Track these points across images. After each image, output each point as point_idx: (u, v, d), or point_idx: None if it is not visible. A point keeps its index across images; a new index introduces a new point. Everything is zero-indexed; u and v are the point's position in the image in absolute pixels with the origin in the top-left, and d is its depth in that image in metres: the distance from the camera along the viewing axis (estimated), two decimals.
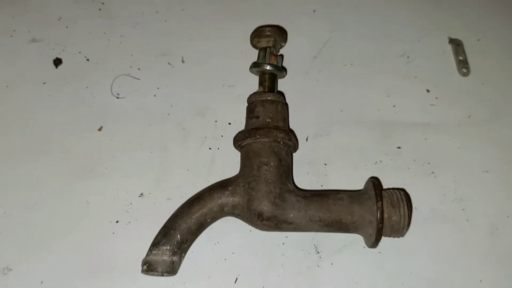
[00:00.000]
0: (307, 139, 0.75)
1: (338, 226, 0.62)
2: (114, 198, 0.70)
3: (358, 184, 0.70)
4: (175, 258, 0.60)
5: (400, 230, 0.61)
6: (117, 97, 0.78)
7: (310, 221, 0.62)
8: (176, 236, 0.61)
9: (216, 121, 0.76)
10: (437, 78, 0.81)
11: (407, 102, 0.78)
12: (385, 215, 0.60)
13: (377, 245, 0.62)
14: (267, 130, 0.65)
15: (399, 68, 0.82)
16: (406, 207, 0.61)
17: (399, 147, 0.75)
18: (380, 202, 0.60)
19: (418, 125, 0.77)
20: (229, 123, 0.76)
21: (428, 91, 0.80)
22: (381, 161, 0.74)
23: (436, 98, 0.79)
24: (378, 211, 0.60)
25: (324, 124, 0.76)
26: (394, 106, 0.78)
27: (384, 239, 0.61)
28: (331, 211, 0.62)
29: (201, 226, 0.63)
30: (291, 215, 0.62)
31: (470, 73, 0.81)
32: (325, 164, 0.73)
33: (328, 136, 0.75)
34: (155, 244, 0.61)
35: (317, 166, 0.73)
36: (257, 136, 0.65)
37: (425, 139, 0.76)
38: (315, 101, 0.78)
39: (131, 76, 0.79)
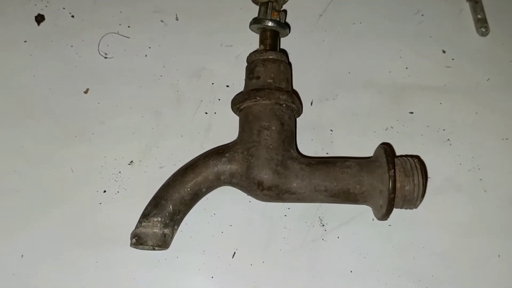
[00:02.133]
0: (311, 103, 0.71)
1: (346, 197, 0.59)
2: (101, 166, 0.66)
3: (366, 152, 0.66)
4: (166, 231, 0.57)
5: (413, 201, 0.58)
6: (105, 57, 0.73)
7: (314, 191, 0.58)
8: (168, 206, 0.58)
9: (213, 83, 0.72)
10: (453, 38, 0.76)
11: (421, 63, 0.74)
12: (398, 184, 0.56)
13: (388, 217, 0.58)
14: (268, 91, 0.61)
15: (412, 27, 0.76)
16: (420, 176, 0.57)
17: (411, 112, 0.71)
18: (392, 170, 0.56)
19: (433, 88, 0.72)
20: (227, 86, 0.72)
21: (443, 52, 0.75)
22: (392, 127, 0.70)
23: (453, 59, 0.74)
24: (389, 179, 0.55)
25: (330, 87, 0.72)
26: (406, 68, 0.74)
27: (395, 211, 0.58)
28: (338, 180, 0.58)
29: (196, 196, 0.59)
30: (294, 184, 0.58)
31: (489, 32, 0.76)
32: (331, 130, 0.69)
33: (335, 100, 0.71)
34: (145, 215, 0.58)
35: (322, 132, 0.69)
36: (257, 97, 0.60)
37: (440, 103, 0.71)
38: (320, 63, 0.74)
39: (120, 35, 0.74)
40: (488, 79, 0.73)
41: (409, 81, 0.73)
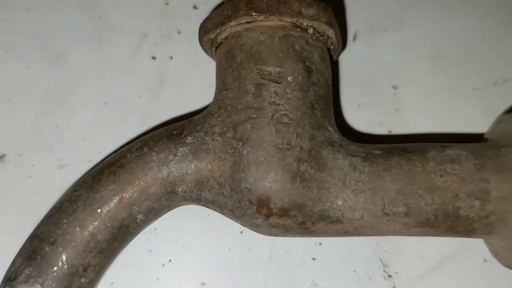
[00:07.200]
0: (354, 38, 0.47)
1: (450, 225, 0.34)
2: None
3: (460, 126, 0.44)
4: None
5: None
6: None
7: (383, 215, 0.33)
8: (59, 259, 0.33)
9: (167, 3, 0.48)
10: None
11: None
12: None
13: None
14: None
15: None
16: None
17: None
18: None
19: None
20: (195, 7, 0.48)
21: None
22: (504, 80, 0.46)
23: None
24: None
25: (388, 10, 0.48)
26: None
27: None
28: (434, 190, 0.33)
29: (124, 232, 0.34)
30: (340, 202, 0.33)
31: None
32: (394, 88, 0.45)
33: (398, 31, 0.47)
34: (9, 279, 0.34)
35: (378, 90, 0.45)
36: (254, 13, 0.34)
37: None
38: None
39: None
40: None
41: None
